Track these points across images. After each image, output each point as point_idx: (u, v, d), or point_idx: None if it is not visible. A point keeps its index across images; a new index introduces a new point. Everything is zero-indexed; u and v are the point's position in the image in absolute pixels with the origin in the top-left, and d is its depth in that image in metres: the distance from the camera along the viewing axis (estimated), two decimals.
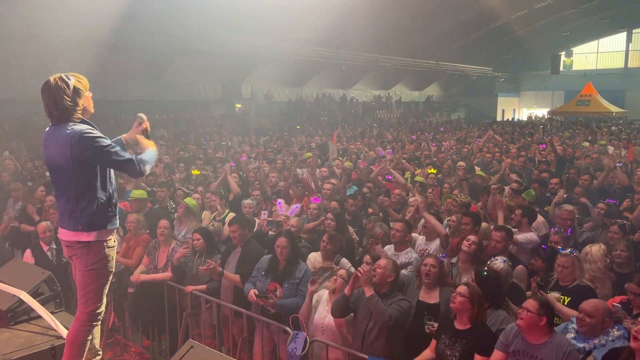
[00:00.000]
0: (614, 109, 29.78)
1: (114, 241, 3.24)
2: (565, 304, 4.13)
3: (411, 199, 6.85)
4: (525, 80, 43.75)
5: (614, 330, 3.47)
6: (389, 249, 5.31)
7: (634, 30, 38.79)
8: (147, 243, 5.94)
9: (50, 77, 3.02)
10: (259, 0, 17.44)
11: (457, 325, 3.75)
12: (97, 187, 3.06)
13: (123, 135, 3.37)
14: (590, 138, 17.46)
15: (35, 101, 3.05)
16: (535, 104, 42.37)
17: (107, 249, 3.14)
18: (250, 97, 26.75)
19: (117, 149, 3.00)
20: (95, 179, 3.05)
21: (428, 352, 3.89)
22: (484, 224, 5.71)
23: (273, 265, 4.89)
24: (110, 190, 3.16)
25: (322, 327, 4.45)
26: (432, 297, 4.30)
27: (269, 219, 6.03)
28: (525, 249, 5.42)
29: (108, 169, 3.14)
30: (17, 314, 3.80)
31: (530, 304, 3.41)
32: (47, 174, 7.96)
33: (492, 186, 6.54)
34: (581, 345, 3.50)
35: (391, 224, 5.65)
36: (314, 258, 5.23)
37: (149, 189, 8.13)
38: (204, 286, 5.31)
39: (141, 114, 3.42)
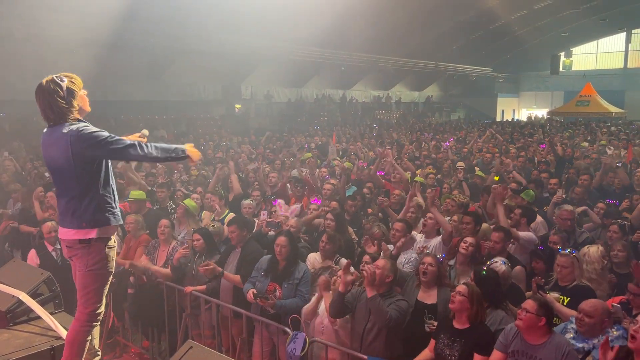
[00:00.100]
0: (613, 109, 29.81)
1: (114, 241, 3.24)
2: (565, 304, 4.13)
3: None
4: (524, 80, 43.80)
5: (613, 330, 3.47)
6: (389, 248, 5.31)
7: (633, 31, 38.84)
8: (147, 243, 5.94)
9: (43, 80, 3.01)
10: (258, 1, 17.46)
11: (456, 325, 3.75)
12: (99, 184, 3.07)
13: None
14: (589, 138, 17.48)
15: (35, 102, 3.04)
16: (534, 105, 42.41)
17: (107, 250, 3.14)
18: (250, 97, 26.77)
19: (117, 137, 2.97)
20: (96, 177, 3.06)
21: (427, 352, 3.89)
22: (484, 225, 5.71)
23: (272, 266, 4.89)
24: (113, 187, 3.17)
25: (321, 327, 4.45)
26: (430, 297, 4.30)
27: (268, 219, 6.03)
28: (524, 249, 5.41)
29: (109, 166, 3.14)
30: (17, 315, 3.79)
31: (529, 304, 3.41)
32: (47, 174, 7.98)
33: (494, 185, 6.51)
34: (580, 345, 3.51)
35: (390, 224, 5.65)
36: (314, 258, 5.23)
37: (149, 189, 8.14)
38: (204, 287, 5.31)
39: (145, 131, 3.44)
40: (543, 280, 4.27)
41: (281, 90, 28.72)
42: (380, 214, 6.83)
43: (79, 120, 3.05)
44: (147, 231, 6.17)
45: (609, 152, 12.52)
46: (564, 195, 7.36)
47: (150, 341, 5.90)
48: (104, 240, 3.12)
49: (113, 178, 3.22)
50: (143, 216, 6.47)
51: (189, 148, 3.18)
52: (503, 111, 40.28)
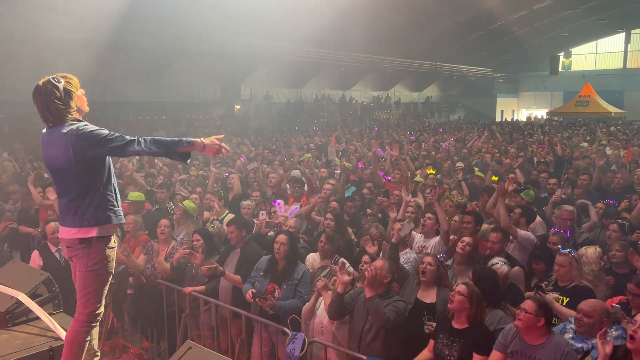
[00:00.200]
0: (612, 109, 29.84)
1: (115, 242, 3.24)
2: (564, 304, 4.13)
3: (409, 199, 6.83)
4: (524, 81, 43.84)
5: (612, 330, 3.47)
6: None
7: (632, 31, 38.88)
8: (146, 243, 5.94)
9: (39, 81, 3.00)
10: (258, 2, 17.46)
11: (455, 325, 3.75)
12: (100, 182, 3.07)
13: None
14: (588, 138, 17.49)
15: (33, 103, 3.03)
16: (534, 105, 42.45)
17: (107, 250, 3.14)
18: (250, 98, 26.78)
19: (116, 134, 2.96)
20: (97, 175, 3.06)
21: (426, 353, 3.88)
22: (484, 225, 5.71)
23: (272, 266, 4.89)
24: (114, 186, 3.17)
25: (321, 327, 4.45)
26: (429, 297, 4.30)
27: (267, 220, 6.03)
28: (523, 248, 5.41)
29: (110, 164, 3.15)
30: (16, 316, 3.78)
31: (528, 304, 3.41)
32: (46, 175, 7.98)
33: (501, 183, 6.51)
34: (579, 345, 3.51)
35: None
36: (313, 259, 5.23)
37: (148, 189, 8.14)
38: (203, 287, 5.31)
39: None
40: (546, 283, 4.25)
41: (280, 91, 28.73)
42: (379, 214, 6.83)
43: (78, 120, 3.05)
44: (146, 231, 6.17)
45: (608, 152, 12.52)
46: (563, 195, 7.37)
47: (150, 342, 5.90)
48: (105, 240, 3.11)
49: (114, 177, 3.22)
50: (142, 217, 6.48)
51: (205, 139, 3.09)
52: (502, 111, 40.31)
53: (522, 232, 5.48)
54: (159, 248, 5.79)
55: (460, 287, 3.74)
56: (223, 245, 5.96)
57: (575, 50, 40.28)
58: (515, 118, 39.44)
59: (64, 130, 2.95)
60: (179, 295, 5.41)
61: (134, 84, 21.42)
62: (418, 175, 8.69)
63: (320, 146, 14.34)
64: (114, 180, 3.19)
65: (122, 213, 3.22)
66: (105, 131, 2.97)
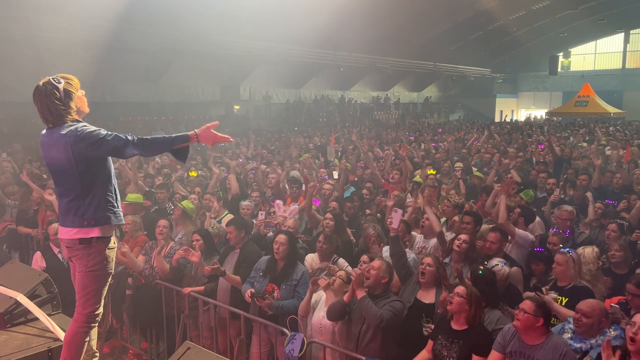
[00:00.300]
0: (611, 109, 29.83)
1: (114, 242, 3.24)
2: (563, 304, 4.13)
3: (408, 200, 6.86)
4: (523, 81, 43.85)
5: (611, 330, 3.47)
6: (387, 250, 5.30)
7: (631, 31, 38.90)
8: (145, 244, 5.93)
9: (39, 82, 3.00)
10: (257, 2, 17.46)
11: (454, 326, 3.75)
12: (101, 183, 3.07)
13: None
14: (587, 138, 17.49)
15: (33, 103, 3.03)
16: (533, 105, 42.45)
17: (107, 250, 3.14)
18: (249, 98, 26.78)
19: (115, 135, 2.95)
20: (98, 176, 3.06)
21: (425, 353, 3.88)
22: (484, 226, 5.71)
23: (271, 266, 4.89)
24: (114, 186, 3.18)
25: (320, 327, 4.45)
26: (428, 297, 4.31)
27: (265, 220, 6.04)
28: (520, 247, 5.41)
29: (110, 165, 3.15)
30: (14, 316, 3.78)
31: (526, 305, 3.41)
32: (45, 176, 7.97)
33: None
34: (578, 345, 3.51)
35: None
36: (312, 259, 5.24)
37: (147, 189, 8.13)
38: (202, 287, 5.31)
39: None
40: (547, 287, 4.25)
41: (280, 91, 28.74)
42: (378, 214, 6.83)
43: (77, 121, 3.05)
44: (145, 232, 6.16)
45: (608, 152, 12.53)
46: (562, 195, 7.38)
47: (149, 342, 5.89)
48: (105, 240, 3.12)
49: (114, 177, 3.22)
50: (141, 217, 6.47)
51: (198, 130, 3.06)
52: (502, 112, 40.32)
53: (520, 232, 5.48)
54: (156, 248, 5.78)
55: (460, 289, 3.74)
56: (222, 245, 5.96)
57: (574, 51, 40.32)
58: (514, 118, 39.42)
59: (63, 132, 2.95)
60: (178, 295, 5.40)
61: (133, 85, 21.43)
62: (417, 176, 8.68)
63: (320, 146, 14.35)
64: (114, 181, 3.19)
65: (122, 214, 3.22)
66: (105, 132, 2.97)
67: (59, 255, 5.80)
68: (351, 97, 32.71)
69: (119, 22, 15.21)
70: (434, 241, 5.49)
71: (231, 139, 3.25)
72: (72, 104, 3.03)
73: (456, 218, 5.87)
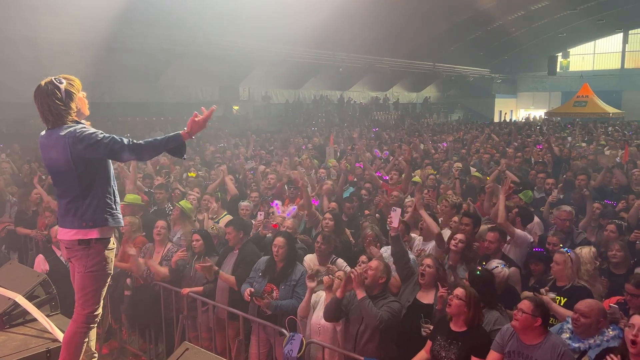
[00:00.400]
0: (610, 109, 29.86)
1: (114, 243, 3.24)
2: (562, 304, 4.13)
3: (407, 201, 6.85)
4: (522, 81, 43.88)
5: (609, 330, 3.48)
6: (386, 250, 5.31)
7: (630, 31, 38.94)
8: (143, 245, 5.92)
9: (42, 82, 3.01)
10: (256, 3, 17.45)
11: (453, 327, 3.75)
12: (99, 184, 3.08)
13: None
14: (586, 139, 17.50)
15: (32, 104, 3.04)
16: (532, 105, 42.48)
17: (106, 251, 3.15)
18: (248, 99, 26.77)
19: (114, 138, 2.96)
20: (97, 177, 3.07)
21: (423, 354, 3.89)
22: (483, 227, 5.70)
23: (270, 267, 4.90)
24: (113, 188, 3.18)
25: (318, 328, 4.45)
26: (427, 298, 4.31)
27: (264, 221, 6.04)
28: (519, 248, 5.41)
29: (109, 167, 3.16)
30: (13, 317, 3.79)
31: (525, 305, 3.42)
32: (44, 176, 7.96)
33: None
34: (576, 345, 3.51)
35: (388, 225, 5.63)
36: (310, 259, 5.24)
37: (146, 190, 8.12)
38: (200, 288, 5.31)
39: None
40: (547, 288, 4.25)
41: (279, 92, 28.73)
42: (377, 214, 6.83)
43: (77, 122, 3.05)
44: (144, 233, 6.14)
45: (607, 152, 12.55)
46: (561, 196, 7.38)
47: (148, 343, 5.89)
48: (104, 241, 3.12)
49: (114, 179, 3.22)
50: (140, 218, 6.44)
51: (187, 128, 3.06)
52: (501, 112, 40.34)
53: (519, 232, 5.48)
54: (153, 250, 5.77)
55: (459, 291, 3.73)
56: (222, 246, 5.96)
57: (573, 51, 40.34)
58: (513, 118, 39.42)
59: (62, 133, 2.96)
60: (176, 296, 5.40)
61: (132, 85, 21.41)
62: (416, 176, 8.68)
63: (319, 147, 14.34)
64: (114, 182, 3.20)
65: (120, 216, 3.22)
66: (103, 134, 2.98)
67: (62, 258, 5.77)
68: (350, 97, 32.71)
69: (118, 23, 15.20)
70: (432, 243, 5.48)
71: (214, 107, 3.25)
72: (73, 105, 3.04)
73: (455, 219, 5.87)
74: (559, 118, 30.44)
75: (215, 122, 23.75)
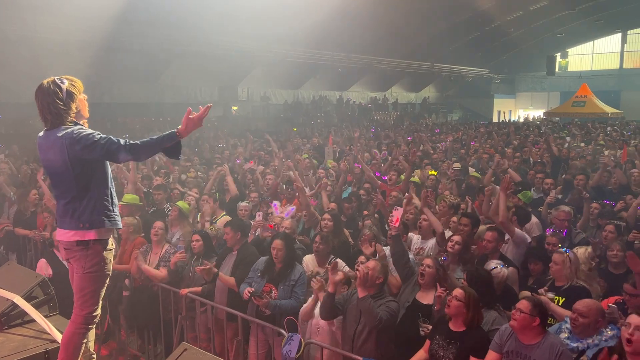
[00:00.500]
0: (609, 109, 29.90)
1: (112, 244, 3.24)
2: (560, 304, 4.14)
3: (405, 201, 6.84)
4: (521, 81, 43.90)
5: (608, 330, 3.48)
6: (385, 250, 5.31)
7: (628, 32, 38.99)
8: (142, 246, 5.90)
9: (44, 80, 3.03)
10: (254, 3, 17.45)
11: (452, 327, 3.75)
12: (97, 186, 3.08)
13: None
14: (585, 139, 17.52)
15: (31, 104, 3.05)
16: (531, 105, 42.51)
17: (105, 252, 3.15)
18: (247, 99, 26.77)
19: (110, 139, 2.95)
20: (94, 178, 3.07)
21: (422, 353, 3.89)
22: (481, 227, 5.70)
23: (269, 267, 4.90)
24: (111, 190, 3.18)
25: (317, 328, 4.45)
26: (427, 298, 4.31)
27: (263, 222, 6.04)
28: (517, 247, 5.40)
29: (107, 168, 3.16)
30: (11, 318, 3.78)
31: (523, 304, 3.42)
32: (42, 177, 7.95)
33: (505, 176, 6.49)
34: (574, 345, 3.52)
35: (387, 225, 5.64)
36: (309, 260, 5.24)
37: (145, 190, 8.11)
38: (199, 288, 5.30)
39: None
40: (545, 289, 4.26)
41: (278, 92, 28.74)
42: (376, 214, 6.83)
43: (75, 123, 3.05)
44: (143, 234, 6.11)
45: (605, 152, 12.56)
46: (559, 196, 7.39)
47: (146, 344, 5.88)
48: (102, 242, 3.13)
49: (111, 180, 3.22)
50: (139, 218, 6.42)
51: (181, 126, 3.05)
52: (500, 112, 40.36)
53: (517, 231, 5.48)
54: (150, 251, 5.75)
55: (458, 292, 3.73)
56: (220, 247, 5.95)
57: (571, 51, 40.38)
58: (512, 119, 39.44)
59: (60, 134, 2.97)
60: (175, 297, 5.39)
61: (131, 86, 21.41)
62: (415, 176, 8.68)
63: (318, 147, 14.34)
64: (111, 184, 3.19)
65: (117, 218, 3.21)
66: (100, 135, 2.98)
67: (65, 262, 5.72)
68: (349, 97, 32.72)
69: (117, 23, 15.19)
70: (431, 242, 5.49)
71: (210, 105, 3.26)
72: (73, 106, 3.05)
73: (454, 219, 5.87)
74: (557, 118, 30.48)
75: (215, 122, 23.78)
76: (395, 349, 4.16)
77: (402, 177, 8.22)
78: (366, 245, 5.19)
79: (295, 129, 22.62)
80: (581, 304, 3.56)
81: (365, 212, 7.04)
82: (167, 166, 9.85)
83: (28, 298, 3.86)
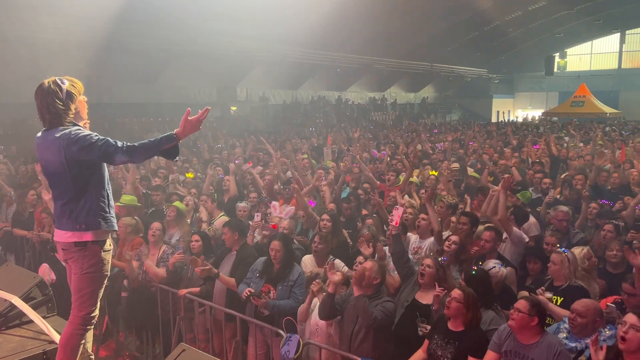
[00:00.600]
0: (607, 109, 29.92)
1: (110, 245, 3.24)
2: (558, 304, 4.14)
3: (402, 201, 6.85)
4: (519, 81, 43.93)
5: (606, 329, 3.48)
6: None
7: (627, 32, 39.02)
8: (140, 247, 5.89)
9: (45, 80, 3.03)
10: (253, 3, 17.45)
11: (451, 327, 3.75)
12: (94, 187, 3.08)
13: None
14: (584, 139, 17.52)
15: (29, 105, 3.06)
16: (530, 105, 42.54)
17: (103, 253, 3.15)
18: (246, 99, 26.76)
19: (107, 141, 2.95)
20: (92, 179, 3.07)
21: (420, 353, 3.90)
22: (480, 227, 5.70)
23: (267, 268, 4.90)
24: (108, 191, 3.18)
25: (316, 329, 4.45)
26: (426, 298, 4.31)
27: (262, 222, 6.04)
28: (514, 247, 5.40)
29: (104, 169, 3.15)
30: (9, 319, 3.78)
31: (521, 304, 3.43)
32: (40, 177, 7.95)
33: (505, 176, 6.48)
34: (573, 345, 3.52)
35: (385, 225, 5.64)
36: (308, 260, 5.24)
37: (144, 191, 8.09)
38: (197, 289, 5.30)
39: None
40: (543, 288, 4.26)
41: (277, 92, 28.72)
42: (375, 214, 6.83)
43: (74, 124, 3.05)
44: (141, 234, 6.10)
45: (606, 152, 12.54)
46: (558, 196, 7.39)
47: (144, 344, 5.87)
48: (100, 243, 3.13)
49: (108, 182, 3.22)
50: (138, 218, 6.40)
51: (179, 128, 3.04)
52: (498, 112, 40.38)
53: (515, 230, 5.47)
54: (149, 252, 5.75)
55: (457, 293, 3.73)
56: (218, 248, 5.95)
57: (570, 51, 40.38)
58: (510, 119, 39.44)
59: (57, 134, 2.97)
60: (173, 297, 5.39)
61: (129, 86, 21.39)
62: (414, 176, 8.68)
63: (317, 147, 14.34)
64: (108, 186, 3.19)
65: (113, 220, 3.20)
66: (97, 137, 2.98)
67: (64, 262, 5.69)
68: (348, 98, 32.72)
69: (115, 23, 15.18)
70: (429, 241, 5.49)
71: (209, 108, 3.24)
72: (72, 107, 3.05)
73: (453, 219, 5.87)
74: (556, 118, 30.50)
75: (213, 122, 23.77)
76: (394, 349, 4.16)
77: (401, 177, 8.23)
78: (364, 246, 5.19)
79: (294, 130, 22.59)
80: (579, 304, 3.56)
81: (364, 212, 7.05)
82: (168, 166, 9.83)
83: (26, 299, 3.86)
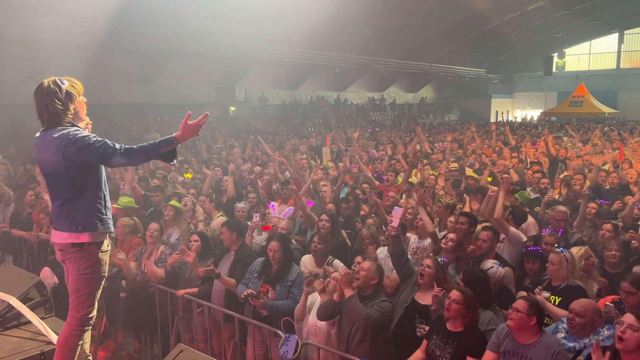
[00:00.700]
0: (606, 109, 29.95)
1: (108, 245, 3.24)
2: (556, 304, 4.14)
3: (402, 201, 6.86)
4: (518, 81, 43.94)
5: (604, 329, 3.49)
6: (382, 250, 5.31)
7: (625, 32, 39.04)
8: (138, 248, 5.89)
9: (45, 80, 3.03)
10: (252, 3, 17.44)
11: (449, 327, 3.75)
12: (91, 188, 3.08)
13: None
14: (583, 139, 17.53)
15: (28, 105, 3.05)
16: (528, 105, 42.56)
17: (100, 254, 3.14)
18: (244, 100, 26.74)
19: (105, 143, 2.94)
20: (90, 180, 3.07)
21: (419, 353, 3.90)
22: (479, 227, 5.70)
23: (266, 268, 4.90)
24: (105, 193, 3.17)
25: (314, 329, 4.45)
26: (425, 298, 4.30)
27: (260, 223, 6.03)
28: (512, 246, 5.40)
29: (102, 171, 3.15)
30: (7, 320, 3.78)
31: (520, 304, 3.43)
32: (38, 178, 7.94)
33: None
34: (571, 344, 3.52)
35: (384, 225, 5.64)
36: (307, 260, 5.23)
37: (143, 193, 8.08)
38: (196, 289, 5.29)
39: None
40: (540, 288, 4.26)
41: (275, 93, 28.70)
42: (373, 215, 6.82)
43: (72, 125, 3.05)
44: (140, 234, 6.10)
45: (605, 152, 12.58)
46: (556, 196, 7.40)
47: (143, 345, 5.87)
48: (97, 244, 3.13)
49: (105, 183, 3.21)
50: (137, 219, 6.39)
51: (178, 131, 3.00)
52: (497, 112, 40.41)
53: (512, 230, 5.47)
54: (149, 251, 5.74)
55: (456, 295, 3.72)
56: (216, 248, 5.94)
57: (568, 51, 40.40)
58: (509, 119, 39.48)
59: (56, 135, 2.97)
60: (171, 298, 5.38)
61: (128, 86, 21.35)
62: (413, 177, 8.69)
63: (316, 148, 14.33)
64: (105, 187, 3.18)
65: (109, 222, 3.19)
66: (95, 138, 2.97)
67: (61, 263, 5.69)
68: (347, 98, 32.72)
69: (114, 23, 15.14)
70: (427, 242, 5.49)
71: (208, 113, 3.22)
72: (71, 107, 3.05)
73: (452, 219, 5.87)
74: (554, 118, 30.52)
75: (212, 123, 23.74)
76: (392, 349, 4.15)
77: (400, 178, 8.22)
78: (370, 248, 5.19)
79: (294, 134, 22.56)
80: (578, 304, 3.56)
81: (363, 212, 7.04)
82: (166, 167, 9.82)
83: (24, 300, 3.86)
